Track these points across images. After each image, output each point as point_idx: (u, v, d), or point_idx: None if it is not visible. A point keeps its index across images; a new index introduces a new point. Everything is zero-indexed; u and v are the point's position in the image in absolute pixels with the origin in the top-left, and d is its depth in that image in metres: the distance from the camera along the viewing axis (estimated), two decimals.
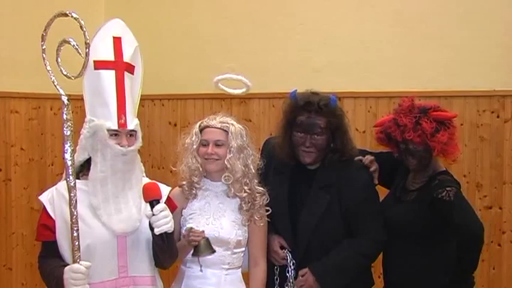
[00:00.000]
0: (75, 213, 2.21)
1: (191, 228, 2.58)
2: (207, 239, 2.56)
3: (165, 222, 2.33)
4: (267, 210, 2.77)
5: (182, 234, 2.63)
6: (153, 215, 2.32)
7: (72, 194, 2.22)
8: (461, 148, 4.09)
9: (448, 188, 2.74)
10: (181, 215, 2.74)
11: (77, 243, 2.21)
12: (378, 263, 3.07)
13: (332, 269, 2.77)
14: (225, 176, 2.71)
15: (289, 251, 2.82)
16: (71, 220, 2.21)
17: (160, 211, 2.33)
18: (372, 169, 2.88)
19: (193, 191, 2.75)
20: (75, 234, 2.20)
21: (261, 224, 2.75)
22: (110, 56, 2.44)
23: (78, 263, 2.21)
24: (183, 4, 5.09)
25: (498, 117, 4.12)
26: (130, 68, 2.49)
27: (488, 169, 4.15)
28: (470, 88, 4.16)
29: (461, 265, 2.81)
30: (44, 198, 2.43)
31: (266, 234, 2.80)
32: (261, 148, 3.08)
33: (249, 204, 2.72)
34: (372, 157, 2.93)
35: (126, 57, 2.48)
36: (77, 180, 2.36)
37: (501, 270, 4.15)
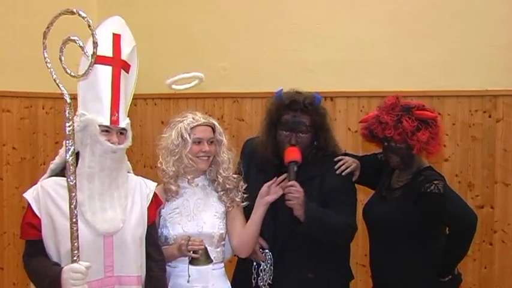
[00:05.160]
0: (75, 212, 2.14)
1: (189, 237, 2.58)
2: (206, 249, 2.57)
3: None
4: (245, 193, 2.81)
5: (179, 243, 2.59)
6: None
7: (73, 194, 2.13)
8: (453, 148, 4.14)
9: (435, 182, 2.75)
10: (160, 215, 2.73)
11: (76, 243, 2.14)
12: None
13: (320, 210, 2.76)
14: (210, 172, 2.78)
15: (270, 251, 2.83)
16: (71, 220, 2.13)
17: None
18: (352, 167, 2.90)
19: (177, 189, 2.76)
20: (75, 233, 2.13)
21: (243, 204, 2.81)
22: (108, 52, 2.41)
23: (78, 262, 2.15)
24: (176, 3, 5.08)
25: (490, 117, 4.14)
26: (126, 67, 2.48)
27: (480, 169, 4.17)
28: (462, 88, 4.18)
29: (449, 255, 2.80)
30: (29, 195, 2.37)
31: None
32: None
33: (227, 188, 2.77)
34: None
35: (124, 55, 2.47)
36: (61, 178, 2.33)
37: (493, 270, 4.17)
